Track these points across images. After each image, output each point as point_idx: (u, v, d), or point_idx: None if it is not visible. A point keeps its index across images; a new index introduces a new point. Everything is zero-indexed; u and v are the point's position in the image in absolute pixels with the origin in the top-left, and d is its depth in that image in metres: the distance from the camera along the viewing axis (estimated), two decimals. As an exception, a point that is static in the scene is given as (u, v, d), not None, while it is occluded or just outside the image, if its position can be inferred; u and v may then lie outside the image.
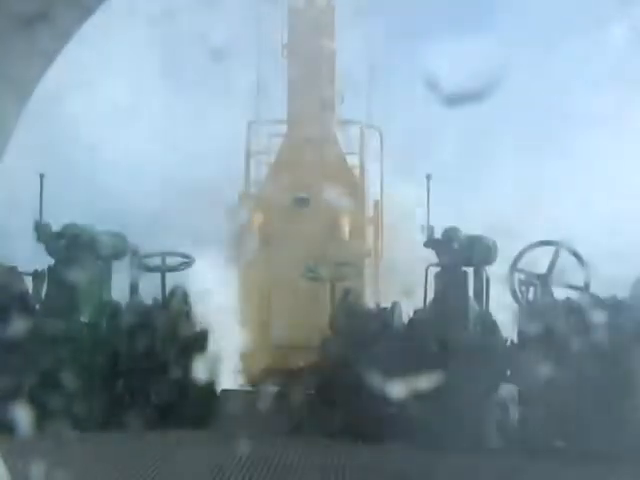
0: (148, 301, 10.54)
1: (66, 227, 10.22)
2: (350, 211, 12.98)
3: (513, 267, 10.03)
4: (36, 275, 10.28)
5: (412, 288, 10.45)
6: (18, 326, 8.95)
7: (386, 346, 9.56)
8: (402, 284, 11.05)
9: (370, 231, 13.41)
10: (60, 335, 9.69)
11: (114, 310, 10.30)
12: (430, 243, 10.22)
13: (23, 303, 9.90)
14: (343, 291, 10.74)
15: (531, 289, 9.98)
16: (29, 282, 10.27)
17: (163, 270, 10.83)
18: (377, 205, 13.54)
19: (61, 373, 9.22)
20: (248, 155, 13.68)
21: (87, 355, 9.76)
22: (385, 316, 10.11)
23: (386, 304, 10.39)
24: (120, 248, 10.53)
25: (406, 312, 10.20)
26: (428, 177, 10.40)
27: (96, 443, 8.66)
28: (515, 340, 9.78)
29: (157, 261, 10.88)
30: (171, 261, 10.88)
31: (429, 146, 13.71)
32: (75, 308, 10.05)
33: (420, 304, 10.19)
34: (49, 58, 4.09)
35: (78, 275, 9.90)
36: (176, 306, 10.38)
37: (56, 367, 9.32)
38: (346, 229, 12.98)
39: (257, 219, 12.98)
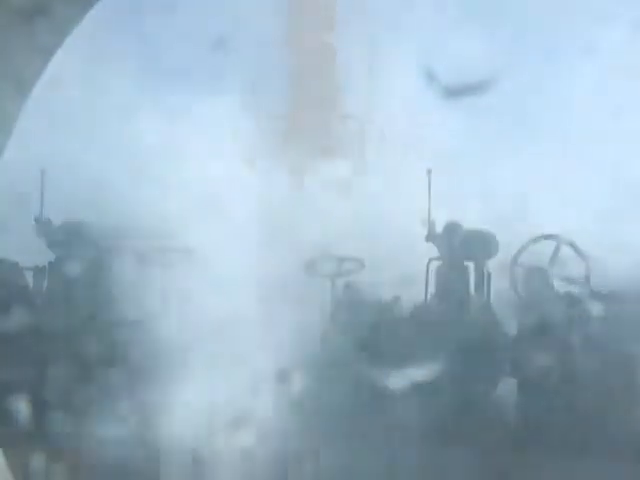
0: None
1: (67, 222, 10.24)
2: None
3: (514, 261, 10.03)
4: (37, 270, 10.29)
5: (413, 282, 10.46)
6: (19, 321, 8.97)
7: (387, 340, 9.57)
8: (403, 278, 11.04)
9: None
10: (61, 330, 9.70)
11: (115, 305, 10.31)
12: (431, 237, 10.26)
13: (24, 298, 9.92)
14: (344, 285, 10.73)
15: (532, 283, 9.98)
16: (30, 277, 10.29)
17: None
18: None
19: (61, 367, 9.23)
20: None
21: (87, 350, 9.76)
22: (386, 310, 10.12)
23: (387, 298, 10.38)
24: (122, 243, 10.54)
25: (407, 306, 10.21)
26: (429, 171, 10.42)
27: (95, 438, 8.65)
28: (516, 333, 9.79)
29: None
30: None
31: (429, 141, 13.69)
32: (76, 303, 10.07)
33: (421, 298, 10.20)
34: (49, 53, 4.09)
35: (79, 270, 9.92)
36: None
37: (56, 361, 9.33)
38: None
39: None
